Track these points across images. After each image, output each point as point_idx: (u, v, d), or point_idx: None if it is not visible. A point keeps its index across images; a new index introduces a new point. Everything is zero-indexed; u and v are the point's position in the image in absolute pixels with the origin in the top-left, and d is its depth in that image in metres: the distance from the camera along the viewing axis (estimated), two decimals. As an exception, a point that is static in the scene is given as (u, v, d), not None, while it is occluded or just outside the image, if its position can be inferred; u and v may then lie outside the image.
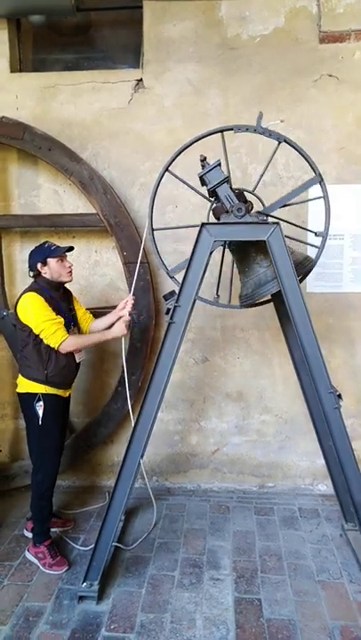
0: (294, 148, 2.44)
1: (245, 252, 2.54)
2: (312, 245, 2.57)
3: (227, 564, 2.70)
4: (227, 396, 3.51)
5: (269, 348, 3.42)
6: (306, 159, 2.44)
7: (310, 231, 2.65)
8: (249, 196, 2.55)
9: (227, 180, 2.40)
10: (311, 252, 2.82)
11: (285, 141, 2.43)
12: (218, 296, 2.67)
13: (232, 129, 2.45)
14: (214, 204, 2.52)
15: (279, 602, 2.40)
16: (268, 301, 2.76)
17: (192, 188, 2.55)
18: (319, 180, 2.45)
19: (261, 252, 2.47)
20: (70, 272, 2.70)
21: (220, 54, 3.25)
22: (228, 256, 2.72)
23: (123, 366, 2.76)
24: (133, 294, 2.75)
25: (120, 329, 2.65)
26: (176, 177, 2.51)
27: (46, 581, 2.57)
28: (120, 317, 2.70)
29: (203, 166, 2.43)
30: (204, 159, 2.42)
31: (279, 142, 2.45)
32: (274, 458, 3.52)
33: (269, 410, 3.49)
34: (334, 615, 2.31)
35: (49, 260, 2.61)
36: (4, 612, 2.34)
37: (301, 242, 2.62)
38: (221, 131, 2.45)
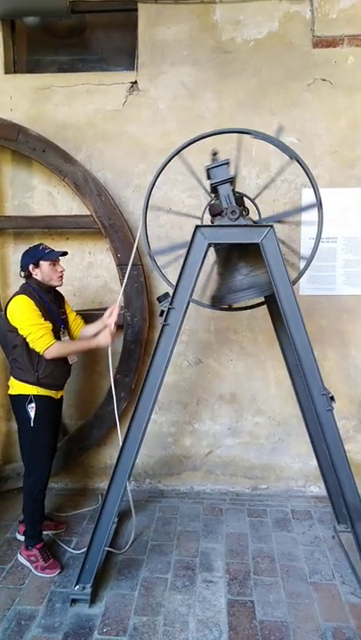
0: (303, 168, 2.44)
1: (228, 256, 2.55)
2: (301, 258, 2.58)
3: (220, 566, 2.70)
4: (220, 398, 3.52)
5: (262, 350, 3.44)
6: (311, 182, 2.44)
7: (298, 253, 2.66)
8: (247, 202, 2.57)
9: (231, 180, 2.41)
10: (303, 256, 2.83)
11: (297, 160, 2.44)
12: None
13: (250, 133, 2.46)
14: (212, 201, 2.52)
15: (272, 604, 2.41)
16: (261, 304, 2.78)
17: (197, 179, 2.54)
18: (318, 206, 2.46)
19: (244, 259, 2.49)
20: (61, 277, 2.70)
21: (214, 58, 3.27)
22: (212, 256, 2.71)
23: (110, 376, 2.76)
24: (123, 297, 2.74)
25: (105, 338, 2.65)
26: (186, 167, 2.51)
27: (38, 584, 2.56)
28: (106, 326, 2.71)
29: (213, 160, 2.43)
30: (215, 153, 2.43)
31: (291, 159, 2.46)
32: (267, 460, 3.53)
33: (262, 412, 3.50)
34: (327, 617, 2.32)
35: (42, 262, 2.61)
36: (-5, 615, 2.33)
37: (291, 247, 2.63)
38: (237, 132, 2.46)
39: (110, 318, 2.71)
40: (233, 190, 2.44)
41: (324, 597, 2.45)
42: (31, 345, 2.53)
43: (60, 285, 2.73)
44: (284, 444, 3.51)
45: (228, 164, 2.42)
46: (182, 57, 3.28)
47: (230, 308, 2.78)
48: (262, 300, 2.69)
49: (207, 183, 2.53)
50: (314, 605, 2.40)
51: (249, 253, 2.45)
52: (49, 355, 2.53)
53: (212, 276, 2.75)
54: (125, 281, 2.72)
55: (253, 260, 2.46)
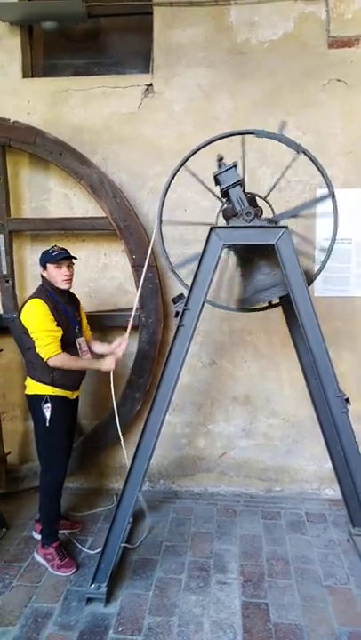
0: (311, 159, 2.44)
1: (248, 257, 2.55)
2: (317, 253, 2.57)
3: (234, 567, 2.70)
4: (234, 399, 3.52)
5: (277, 351, 3.42)
6: (321, 173, 2.44)
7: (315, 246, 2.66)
8: (259, 202, 2.57)
9: (240, 182, 2.42)
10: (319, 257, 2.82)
11: (304, 153, 2.44)
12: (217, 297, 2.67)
13: (253, 133, 2.47)
14: (225, 206, 2.53)
15: (286, 606, 2.40)
16: (275, 305, 2.77)
17: (206, 187, 2.56)
18: (331, 196, 2.45)
19: (264, 258, 2.48)
20: (67, 280, 2.66)
21: (229, 59, 3.27)
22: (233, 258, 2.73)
23: (112, 398, 2.81)
24: (138, 299, 2.76)
25: (109, 364, 2.69)
26: (193, 175, 2.52)
27: (55, 583, 2.59)
28: (113, 353, 2.75)
29: (219, 166, 2.44)
30: (220, 159, 2.44)
31: (298, 153, 2.46)
32: (281, 462, 3.52)
33: (277, 413, 3.49)
34: (342, 621, 2.30)
35: (48, 265, 2.64)
36: (13, 612, 2.36)
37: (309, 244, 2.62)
38: (241, 133, 2.47)
39: (119, 349, 2.76)
40: (244, 192, 2.44)
41: (339, 601, 2.43)
42: (37, 350, 2.56)
43: (68, 288, 2.72)
44: (299, 445, 3.50)
45: (235, 166, 2.42)
46: (197, 59, 3.29)
47: (245, 310, 2.77)
48: (277, 300, 2.68)
49: (217, 189, 2.53)
50: (328, 609, 2.38)
51: (269, 252, 2.44)
52: (52, 363, 2.56)
53: (235, 279, 2.75)
54: (141, 283, 2.73)
55: (274, 259, 2.45)
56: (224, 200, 2.55)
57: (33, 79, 3.47)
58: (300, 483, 3.51)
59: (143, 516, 3.10)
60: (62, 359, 2.57)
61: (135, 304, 2.77)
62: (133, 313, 2.75)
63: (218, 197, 2.60)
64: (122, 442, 2.84)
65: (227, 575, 2.64)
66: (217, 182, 2.48)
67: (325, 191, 2.50)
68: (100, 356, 2.81)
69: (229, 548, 2.87)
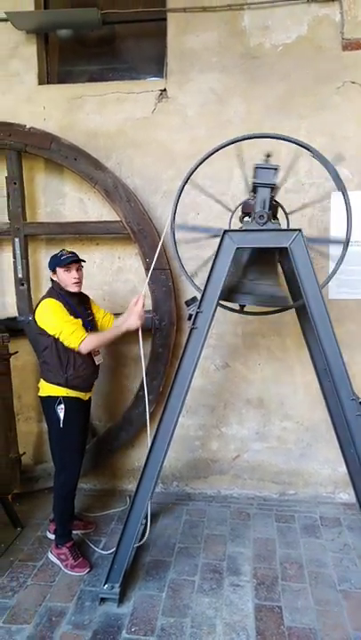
0: (314, 155, 2.43)
1: (257, 260, 2.56)
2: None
3: (247, 570, 2.70)
4: (247, 402, 3.51)
5: (290, 354, 3.42)
6: (326, 168, 2.44)
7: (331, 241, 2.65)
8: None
9: (273, 186, 2.41)
10: (333, 259, 2.81)
11: (307, 149, 2.43)
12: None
13: (254, 137, 2.47)
14: (249, 199, 2.53)
15: (300, 610, 2.39)
16: (289, 308, 2.77)
17: (210, 196, 2.58)
18: (342, 189, 2.44)
19: (256, 265, 2.51)
20: (76, 283, 2.69)
21: (242, 63, 3.29)
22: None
23: (141, 365, 2.77)
24: (149, 288, 2.75)
25: (133, 320, 2.65)
26: (201, 189, 2.55)
27: (68, 582, 2.61)
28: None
29: (265, 160, 2.43)
30: (268, 155, 2.43)
31: (305, 148, 2.45)
32: (295, 465, 3.50)
33: (290, 417, 3.48)
34: (356, 625, 2.28)
35: (57, 268, 2.68)
36: (27, 610, 2.39)
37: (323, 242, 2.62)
38: (247, 138, 2.48)
39: (137, 305, 2.68)
40: (272, 197, 2.43)
41: (354, 606, 2.41)
42: (65, 342, 2.58)
43: (77, 291, 2.75)
44: (313, 449, 3.48)
45: (276, 169, 2.41)
46: (211, 64, 3.31)
47: (258, 313, 2.78)
48: (292, 303, 2.68)
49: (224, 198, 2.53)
50: (343, 613, 2.36)
51: (274, 261, 2.46)
52: (85, 348, 2.57)
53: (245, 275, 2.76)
54: (150, 273, 2.74)
55: (265, 270, 2.49)
56: (251, 194, 2.53)
57: (49, 86, 3.53)
58: (314, 486, 3.49)
59: (159, 519, 3.11)
60: (92, 340, 2.59)
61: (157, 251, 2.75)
62: (145, 286, 2.74)
63: (225, 207, 2.61)
64: (147, 417, 2.76)
65: (240, 578, 2.64)
66: (254, 174, 2.47)
67: (339, 194, 2.49)
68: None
69: (243, 551, 2.87)
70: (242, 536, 3.02)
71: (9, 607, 2.42)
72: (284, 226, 2.58)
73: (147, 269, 3.27)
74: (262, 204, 2.40)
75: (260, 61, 3.28)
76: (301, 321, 2.80)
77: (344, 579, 2.61)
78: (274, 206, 2.52)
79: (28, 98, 3.47)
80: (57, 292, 2.69)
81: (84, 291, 2.84)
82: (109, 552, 2.78)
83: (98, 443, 3.47)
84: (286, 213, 2.61)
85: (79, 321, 2.63)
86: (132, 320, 2.66)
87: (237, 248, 2.36)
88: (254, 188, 2.46)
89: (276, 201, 2.54)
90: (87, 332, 2.74)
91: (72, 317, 2.62)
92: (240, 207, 2.59)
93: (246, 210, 2.50)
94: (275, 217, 2.54)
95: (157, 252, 2.86)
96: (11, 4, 3.37)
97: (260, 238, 2.37)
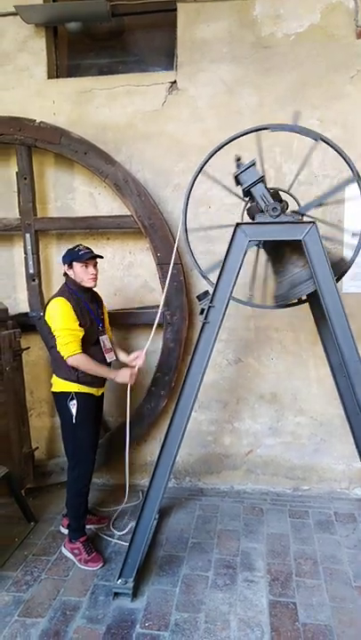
0: (331, 145, 2.39)
1: (280, 252, 2.51)
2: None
3: (261, 566, 2.68)
4: (260, 397, 3.48)
5: (304, 348, 3.38)
6: (343, 157, 2.40)
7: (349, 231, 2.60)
8: (284, 196, 2.53)
9: (261, 179, 2.39)
10: (348, 252, 2.76)
11: (322, 139, 2.39)
12: (251, 295, 2.66)
13: (267, 128, 2.43)
14: (249, 204, 2.51)
15: (315, 607, 2.37)
16: (303, 301, 2.73)
17: (226, 188, 2.55)
18: (356, 179, 2.40)
19: (296, 252, 2.44)
20: (93, 279, 2.70)
21: (253, 53, 3.23)
22: (263, 255, 2.70)
23: (127, 410, 2.85)
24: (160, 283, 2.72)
25: (124, 376, 2.68)
26: (212, 178, 2.52)
27: (82, 577, 2.62)
28: (130, 366, 2.76)
29: (237, 166, 2.42)
30: (238, 159, 2.42)
31: (316, 141, 2.42)
32: (309, 460, 3.47)
33: (304, 412, 3.44)
34: (372, 622, 2.26)
35: (74, 263, 2.66)
36: (42, 604, 2.40)
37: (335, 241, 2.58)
38: (257, 130, 2.43)
39: (136, 361, 2.76)
40: (266, 188, 2.40)
41: (370, 603, 2.39)
42: (57, 347, 2.59)
43: (93, 287, 2.75)
44: (327, 444, 3.44)
45: (254, 164, 2.38)
46: (221, 54, 3.26)
47: (271, 306, 2.74)
48: (304, 297, 2.64)
49: (238, 189, 2.50)
50: (359, 610, 2.34)
51: (299, 245, 2.40)
52: (70, 362, 2.58)
53: (268, 275, 2.72)
54: (168, 280, 2.72)
55: (301, 253, 2.41)
56: (247, 199, 2.51)
57: (58, 80, 3.51)
58: (328, 482, 3.46)
59: (171, 514, 3.10)
60: (81, 360, 2.58)
61: (160, 307, 2.75)
62: (167, 283, 2.73)
63: (240, 197, 2.58)
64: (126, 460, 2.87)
65: (254, 573, 2.62)
66: (238, 182, 2.45)
67: (355, 186, 2.44)
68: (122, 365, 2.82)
69: (256, 547, 2.85)
70: (255, 531, 3.00)
71: (23, 601, 2.43)
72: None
73: (158, 264, 3.25)
74: (263, 199, 2.37)
75: (271, 51, 3.22)
76: (315, 315, 2.76)
77: (359, 575, 2.59)
78: (276, 194, 2.47)
79: (38, 92, 3.45)
80: (70, 288, 2.69)
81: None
82: (124, 534, 2.77)
83: (110, 438, 3.47)
84: (286, 191, 2.56)
85: (80, 334, 2.60)
86: (122, 374, 2.69)
87: (250, 241, 2.32)
88: (247, 193, 2.43)
89: (272, 188, 2.50)
90: (98, 329, 2.74)
91: (77, 325, 2.59)
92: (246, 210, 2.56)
93: (252, 213, 2.47)
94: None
95: (174, 253, 2.85)
96: (19, -3, 3.34)
97: (274, 231, 2.34)
